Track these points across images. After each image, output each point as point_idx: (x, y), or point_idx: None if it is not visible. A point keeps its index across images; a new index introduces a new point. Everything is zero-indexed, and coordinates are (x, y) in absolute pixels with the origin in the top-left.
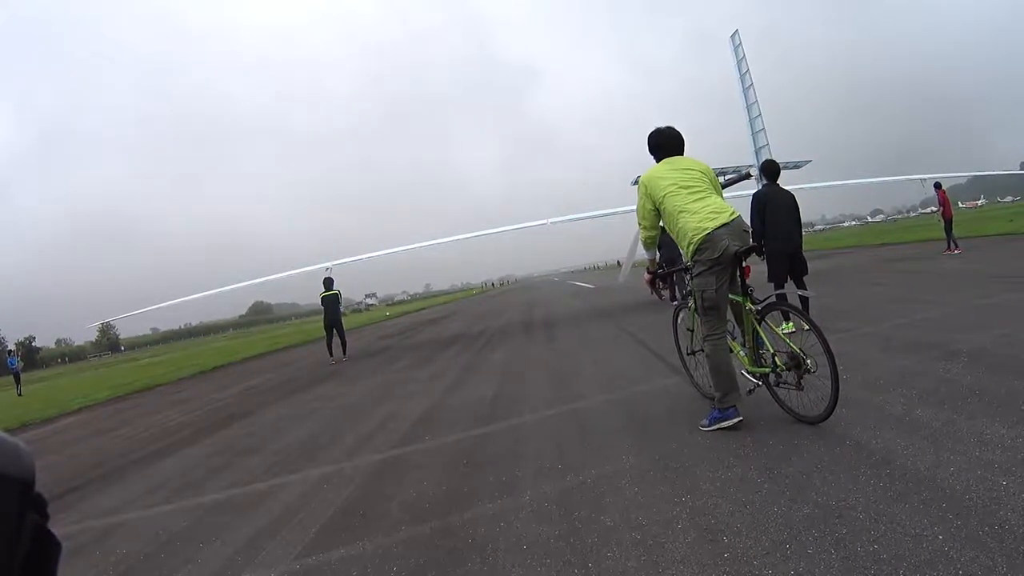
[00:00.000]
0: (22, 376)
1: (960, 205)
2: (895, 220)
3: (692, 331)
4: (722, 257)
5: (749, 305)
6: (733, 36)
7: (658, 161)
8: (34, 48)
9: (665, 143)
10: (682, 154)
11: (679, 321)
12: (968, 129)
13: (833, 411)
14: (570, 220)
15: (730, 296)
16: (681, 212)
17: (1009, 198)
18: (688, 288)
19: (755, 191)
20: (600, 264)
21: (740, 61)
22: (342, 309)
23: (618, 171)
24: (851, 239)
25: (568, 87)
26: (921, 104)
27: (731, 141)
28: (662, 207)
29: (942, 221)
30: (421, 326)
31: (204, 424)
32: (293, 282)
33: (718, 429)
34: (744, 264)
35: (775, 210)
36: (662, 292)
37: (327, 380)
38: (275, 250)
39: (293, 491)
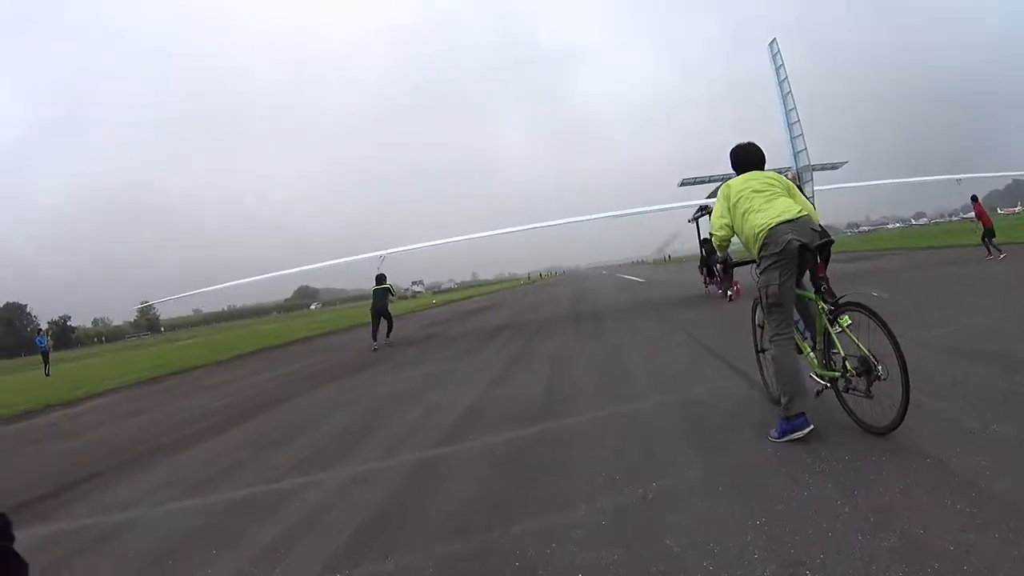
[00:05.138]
0: (51, 356)
1: (999, 212)
2: (938, 223)
3: (762, 328)
4: (784, 252)
5: (821, 304)
6: (771, 44)
7: (739, 175)
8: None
9: (746, 158)
10: (762, 169)
11: (756, 317)
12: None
13: (901, 423)
14: (615, 216)
15: (803, 294)
16: (749, 212)
17: None
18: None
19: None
20: (648, 259)
21: (779, 68)
22: (391, 299)
23: (664, 166)
24: (896, 241)
25: (615, 81)
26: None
27: (775, 140)
28: (734, 211)
29: (981, 230)
30: (467, 315)
31: (235, 412)
32: (338, 267)
33: (788, 441)
34: (821, 262)
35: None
36: (725, 289)
37: (369, 368)
38: (318, 235)
39: (320, 492)
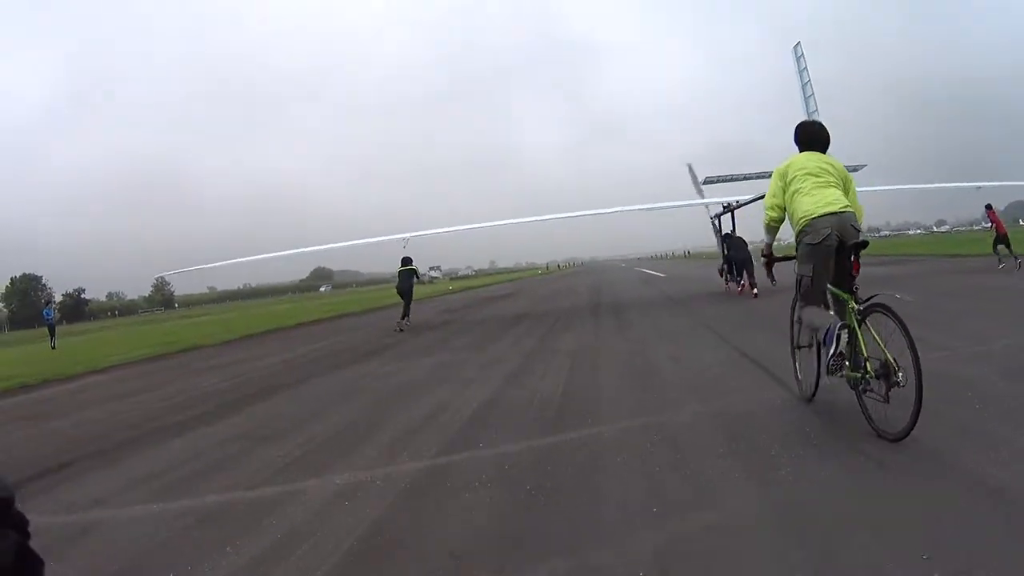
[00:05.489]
0: (57, 329)
1: (1021, 223)
2: (959, 231)
3: (799, 324)
4: (821, 244)
5: (852, 304)
6: (796, 47)
7: (801, 152)
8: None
9: (810, 137)
10: (824, 151)
11: (794, 314)
12: None
13: (912, 430)
14: (635, 210)
15: (835, 291)
16: (798, 194)
17: None
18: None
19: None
20: (667, 253)
21: (802, 71)
22: (417, 280)
23: (686, 161)
24: (918, 247)
25: (643, 75)
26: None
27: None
28: (787, 189)
29: (993, 237)
30: (485, 303)
31: (233, 397)
32: (355, 249)
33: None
34: (853, 259)
35: None
36: (774, 278)
37: (379, 355)
38: (333, 218)
39: (306, 504)
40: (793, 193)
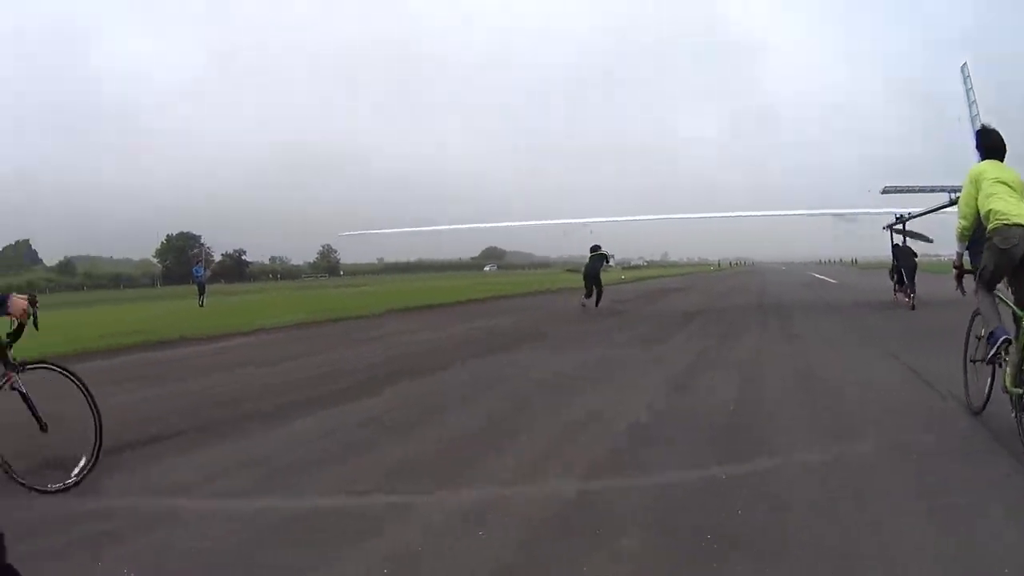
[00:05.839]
0: (207, 288)
1: None
2: None
3: (980, 339)
4: (1007, 252)
5: (1021, 313)
6: (963, 68)
7: (982, 159)
8: None
9: (993, 143)
10: (1003, 159)
11: (971, 327)
12: None
13: None
14: (816, 214)
15: (1011, 306)
16: (993, 196)
17: None
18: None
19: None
20: (834, 260)
21: (968, 91)
22: (607, 266)
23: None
24: None
25: (807, 79)
26: None
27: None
28: (981, 193)
29: None
30: (656, 295)
31: (366, 377)
32: (526, 232)
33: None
34: (1020, 281)
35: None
36: (964, 290)
37: (536, 342)
38: (501, 200)
39: (406, 529)
40: (988, 196)
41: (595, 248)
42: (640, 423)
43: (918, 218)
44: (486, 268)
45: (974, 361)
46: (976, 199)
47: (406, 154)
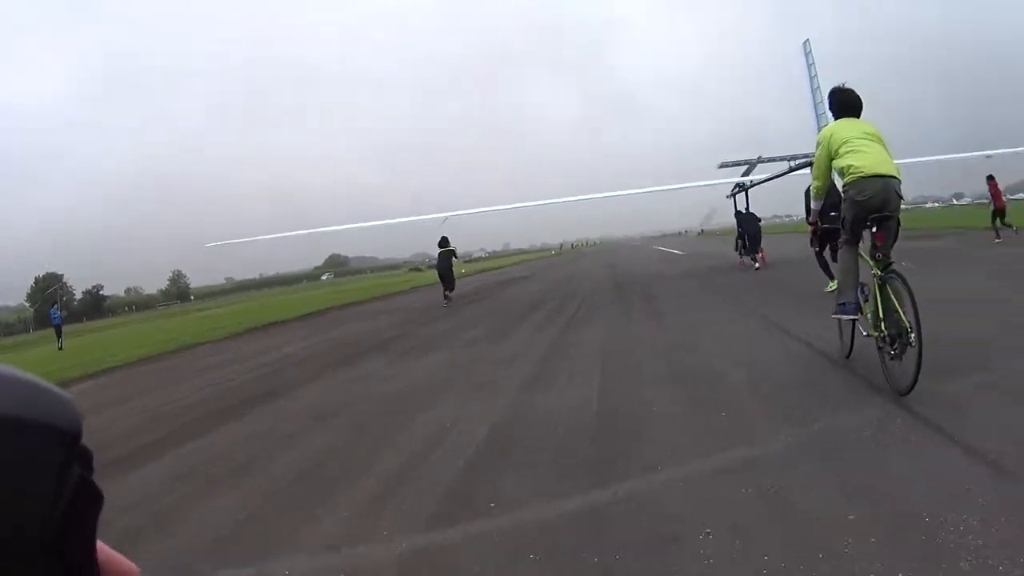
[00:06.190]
0: (63, 329)
1: None
2: (980, 204)
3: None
4: (865, 203)
5: (875, 271)
6: (804, 44)
7: (836, 119)
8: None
9: (846, 102)
10: (859, 116)
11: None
12: None
13: (914, 386)
14: (652, 191)
15: (864, 257)
16: (850, 152)
17: None
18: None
19: (808, 187)
20: (680, 231)
21: (810, 66)
22: (456, 260)
23: (699, 144)
24: (931, 220)
25: (654, 54)
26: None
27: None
28: (836, 153)
29: (991, 209)
30: (500, 286)
31: (198, 414)
32: (372, 236)
33: (840, 320)
34: (877, 231)
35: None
36: (819, 246)
37: (380, 352)
38: (342, 199)
39: None
40: (843, 153)
41: (443, 243)
42: (493, 437)
43: (759, 185)
44: (323, 277)
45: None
46: (829, 159)
47: (262, 166)
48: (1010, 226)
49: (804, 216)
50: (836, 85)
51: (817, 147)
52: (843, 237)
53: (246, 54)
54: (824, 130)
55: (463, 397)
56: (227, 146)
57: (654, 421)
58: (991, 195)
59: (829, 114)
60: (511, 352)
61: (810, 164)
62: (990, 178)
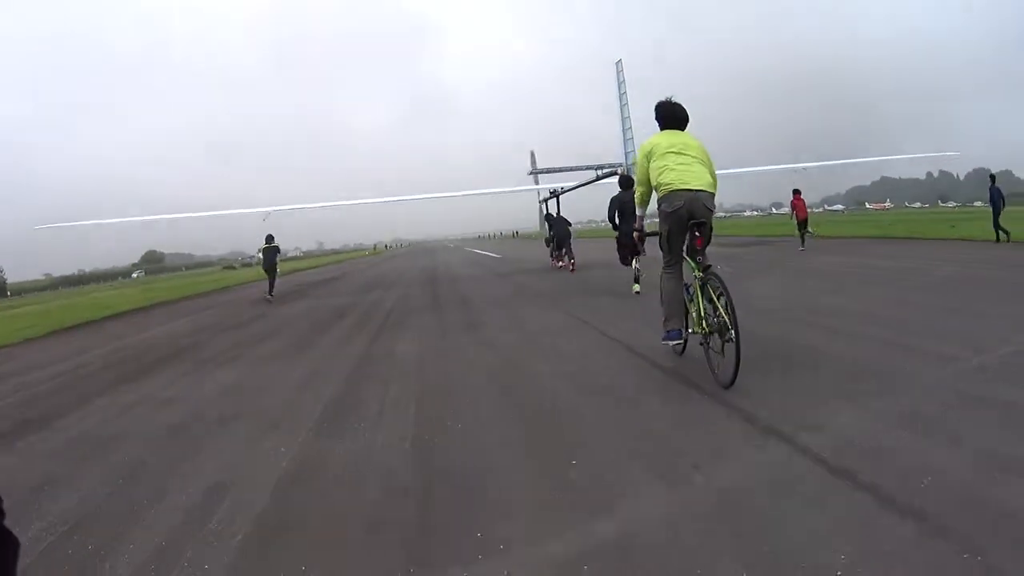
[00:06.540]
0: None
1: (867, 206)
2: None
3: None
4: (675, 213)
5: (696, 272)
6: (617, 63)
7: (661, 129)
8: None
9: (670, 115)
10: (683, 128)
11: (662, 284)
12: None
13: (735, 380)
14: (469, 195)
15: (687, 259)
16: (664, 169)
17: (917, 204)
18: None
19: (613, 195)
20: (495, 234)
21: (620, 83)
22: (280, 256)
23: (508, 147)
24: (743, 228)
25: (466, 52)
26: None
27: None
28: (652, 165)
29: (795, 221)
30: (307, 288)
31: None
32: (188, 233)
33: (669, 345)
34: (697, 235)
35: (624, 210)
36: (643, 251)
37: (173, 361)
38: (156, 200)
39: None
40: (658, 169)
41: (269, 239)
42: (284, 496)
43: (571, 191)
44: (133, 275)
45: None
46: (647, 170)
47: (83, 155)
48: (811, 233)
49: (607, 221)
50: (664, 98)
51: (639, 157)
52: (665, 259)
53: (52, 46)
54: (645, 142)
55: (251, 433)
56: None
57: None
58: (794, 207)
59: (639, 128)
60: (311, 370)
61: (614, 174)
62: (796, 192)
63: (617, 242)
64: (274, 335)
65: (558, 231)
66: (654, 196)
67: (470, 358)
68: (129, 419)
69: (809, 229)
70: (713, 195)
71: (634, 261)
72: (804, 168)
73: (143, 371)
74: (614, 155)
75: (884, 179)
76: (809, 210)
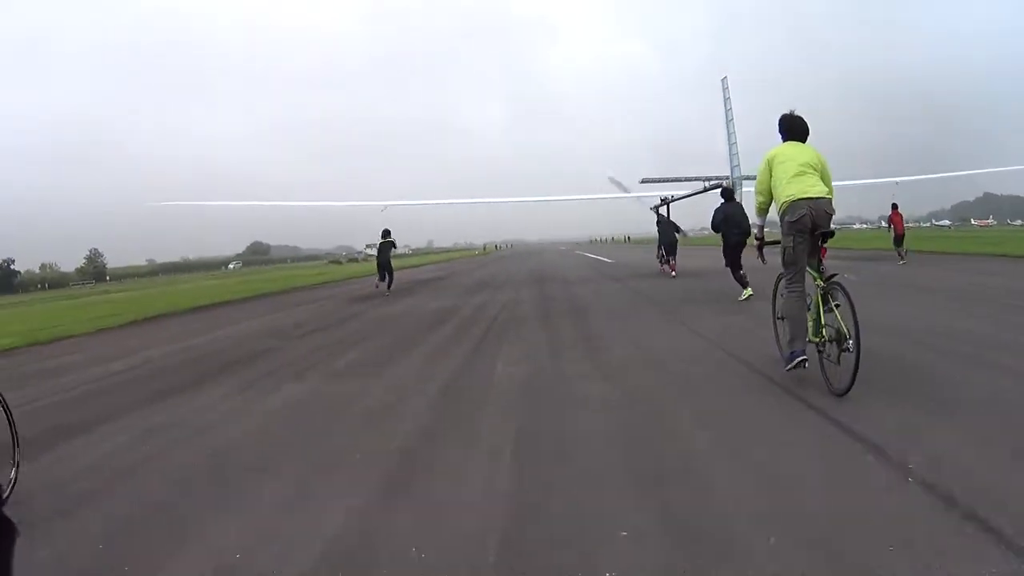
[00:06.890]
0: None
1: (973, 223)
2: (908, 228)
3: (782, 296)
4: (798, 223)
5: (818, 281)
6: (723, 80)
7: (784, 141)
8: None
9: (791, 127)
10: (804, 140)
11: (777, 288)
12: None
13: (851, 388)
14: (581, 199)
15: (809, 270)
16: (782, 180)
17: (1019, 221)
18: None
19: (716, 207)
20: (606, 238)
21: (726, 100)
22: (395, 251)
23: (629, 150)
24: (865, 242)
25: (587, 62)
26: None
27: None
28: (773, 176)
29: (892, 235)
30: (410, 288)
31: None
32: (296, 227)
33: (792, 368)
34: (822, 246)
35: (728, 220)
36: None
37: (240, 368)
38: (271, 192)
39: None
40: (779, 182)
41: (386, 233)
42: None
43: (681, 200)
44: (230, 266)
45: (781, 319)
46: (770, 179)
47: (185, 143)
48: (904, 250)
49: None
50: (786, 111)
51: (761, 166)
52: (788, 276)
53: (167, 38)
54: (769, 152)
55: (295, 480)
56: (158, 126)
57: None
58: (892, 222)
59: (732, 150)
60: (384, 403)
61: (719, 186)
62: (894, 206)
63: (724, 248)
64: (358, 343)
65: (666, 237)
66: (773, 206)
67: (586, 393)
68: (126, 458)
69: (903, 247)
70: (831, 200)
71: (741, 268)
72: (896, 183)
73: (192, 383)
74: (716, 167)
75: (987, 195)
76: (916, 224)
